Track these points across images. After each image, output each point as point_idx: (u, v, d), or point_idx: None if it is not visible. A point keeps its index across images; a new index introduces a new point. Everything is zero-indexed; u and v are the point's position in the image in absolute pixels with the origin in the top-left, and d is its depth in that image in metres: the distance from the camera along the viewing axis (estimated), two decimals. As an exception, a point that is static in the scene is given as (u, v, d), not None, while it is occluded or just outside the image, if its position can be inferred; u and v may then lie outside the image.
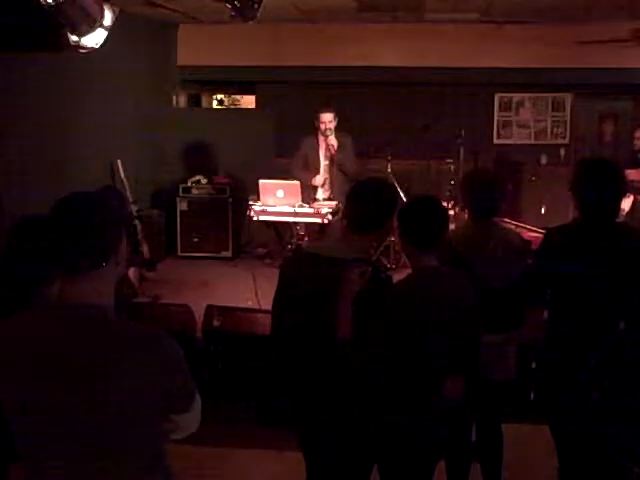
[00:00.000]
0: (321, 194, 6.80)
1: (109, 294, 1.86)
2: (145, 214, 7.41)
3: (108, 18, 4.79)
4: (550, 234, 3.23)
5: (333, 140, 6.59)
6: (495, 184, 3.47)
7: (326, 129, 6.61)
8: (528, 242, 5.08)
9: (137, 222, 6.73)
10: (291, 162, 6.92)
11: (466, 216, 3.69)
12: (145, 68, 8.13)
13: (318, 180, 6.76)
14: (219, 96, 11.36)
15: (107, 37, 4.83)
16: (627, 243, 3.03)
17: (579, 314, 3.04)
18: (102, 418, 1.75)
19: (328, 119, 6.64)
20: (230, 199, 7.96)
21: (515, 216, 7.40)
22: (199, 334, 5.01)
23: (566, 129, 9.20)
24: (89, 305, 1.79)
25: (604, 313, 3.00)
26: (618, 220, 3.19)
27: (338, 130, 6.67)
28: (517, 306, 3.36)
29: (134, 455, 1.81)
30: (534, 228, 6.41)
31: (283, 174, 6.91)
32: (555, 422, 3.21)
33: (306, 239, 6.53)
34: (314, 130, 6.77)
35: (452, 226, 3.31)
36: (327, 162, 6.76)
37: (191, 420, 1.95)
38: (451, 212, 7.09)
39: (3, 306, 2.11)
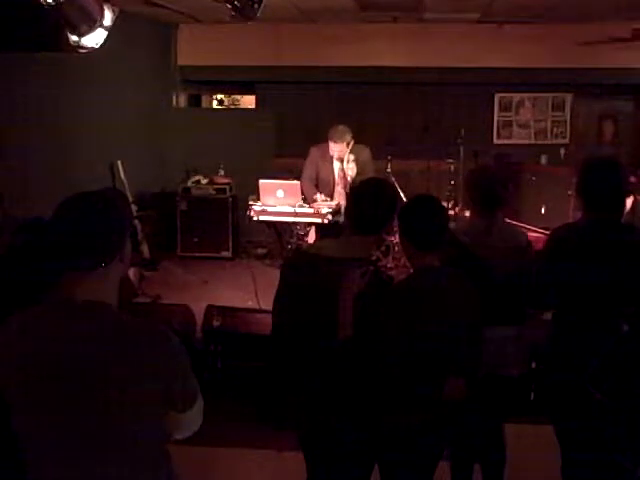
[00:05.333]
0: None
1: (114, 291, 1.87)
2: (145, 214, 7.41)
3: (108, 18, 4.79)
4: (556, 233, 3.21)
5: (348, 170, 5.98)
6: (496, 178, 3.48)
7: (338, 158, 6.03)
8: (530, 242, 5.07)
9: (137, 222, 6.73)
10: (302, 180, 6.29)
11: (467, 214, 3.68)
12: (145, 68, 8.13)
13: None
14: (219, 96, 11.37)
15: (107, 37, 4.83)
16: (632, 243, 3.02)
17: (583, 314, 3.04)
18: (103, 416, 1.75)
19: (338, 149, 5.94)
20: (230, 199, 7.97)
21: (515, 216, 7.39)
22: (199, 334, 5.01)
23: (566, 129, 9.20)
24: (95, 302, 1.80)
25: (608, 313, 3.00)
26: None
27: (355, 142, 6.01)
28: (518, 303, 3.34)
29: (136, 453, 1.81)
30: (534, 228, 6.41)
31: (283, 174, 6.88)
32: (557, 422, 3.20)
33: (306, 239, 6.50)
34: (327, 140, 6.08)
35: (452, 226, 3.30)
36: (341, 187, 6.18)
37: (193, 419, 1.96)
38: (451, 212, 7.09)
39: (6, 307, 2.10)
